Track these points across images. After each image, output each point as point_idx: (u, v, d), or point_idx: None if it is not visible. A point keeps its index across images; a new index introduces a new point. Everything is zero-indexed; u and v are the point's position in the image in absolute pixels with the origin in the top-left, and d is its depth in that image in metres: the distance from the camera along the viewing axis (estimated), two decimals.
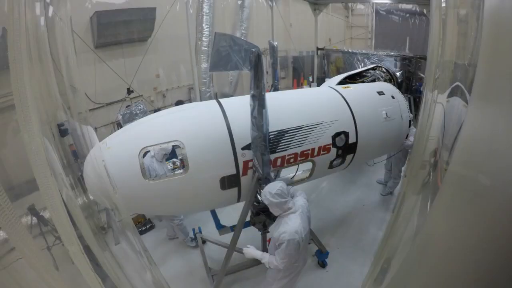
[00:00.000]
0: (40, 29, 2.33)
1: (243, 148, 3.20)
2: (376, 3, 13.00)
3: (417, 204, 2.32)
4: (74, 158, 3.85)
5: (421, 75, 7.88)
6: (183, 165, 3.25)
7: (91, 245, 1.92)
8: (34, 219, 2.34)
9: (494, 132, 1.18)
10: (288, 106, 3.19)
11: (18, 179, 1.73)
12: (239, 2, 6.95)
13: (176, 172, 3.35)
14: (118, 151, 2.97)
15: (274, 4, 8.82)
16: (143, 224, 5.43)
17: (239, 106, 3.42)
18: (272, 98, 3.63)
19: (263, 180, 3.18)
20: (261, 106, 2.93)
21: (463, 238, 1.32)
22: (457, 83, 2.05)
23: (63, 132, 3.37)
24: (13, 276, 1.40)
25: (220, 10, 6.98)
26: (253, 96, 2.91)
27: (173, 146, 3.29)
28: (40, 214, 2.38)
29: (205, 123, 3.24)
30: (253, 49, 2.78)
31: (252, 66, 2.81)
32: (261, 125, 2.98)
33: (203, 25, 6.34)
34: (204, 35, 6.40)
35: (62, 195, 1.69)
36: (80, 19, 7.02)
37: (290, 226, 2.79)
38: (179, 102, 6.69)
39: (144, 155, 3.05)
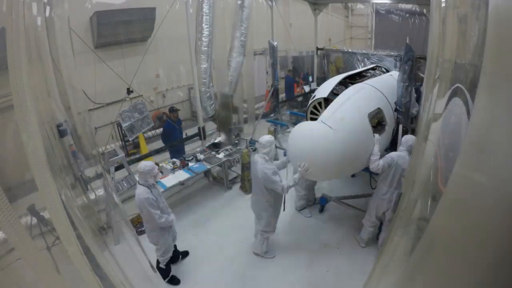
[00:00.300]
0: (39, 29, 2.32)
1: (394, 110, 4.82)
2: (376, 3, 12.99)
3: (418, 206, 2.31)
4: (74, 158, 3.84)
5: (421, 75, 7.86)
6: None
7: (90, 246, 1.91)
8: (34, 220, 2.33)
9: (500, 134, 1.17)
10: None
11: (17, 180, 1.73)
12: (239, 2, 6.92)
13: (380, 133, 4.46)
14: (351, 119, 4.06)
15: (274, 4, 8.80)
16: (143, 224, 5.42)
17: (376, 85, 5.01)
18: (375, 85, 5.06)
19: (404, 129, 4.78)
20: (410, 85, 4.65)
21: (468, 242, 1.31)
22: (458, 83, 2.04)
23: (62, 132, 3.36)
24: (12, 277, 1.40)
25: (220, 10, 6.96)
26: (408, 79, 4.60)
27: None
28: (40, 214, 2.38)
29: (376, 95, 4.73)
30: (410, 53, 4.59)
31: (411, 63, 4.55)
32: (409, 92, 4.64)
33: (203, 25, 6.32)
34: (204, 35, 6.37)
35: (61, 196, 1.69)
36: (80, 19, 7.02)
37: (395, 153, 4.24)
38: (171, 109, 6.96)
39: None
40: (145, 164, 3.80)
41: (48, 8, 2.52)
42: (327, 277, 4.34)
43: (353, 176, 6.43)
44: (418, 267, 1.85)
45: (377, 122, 4.68)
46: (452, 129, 2.00)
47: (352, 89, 4.68)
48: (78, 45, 6.72)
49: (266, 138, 4.12)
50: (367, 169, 4.40)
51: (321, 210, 5.58)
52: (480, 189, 1.29)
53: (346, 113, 4.10)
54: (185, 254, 4.82)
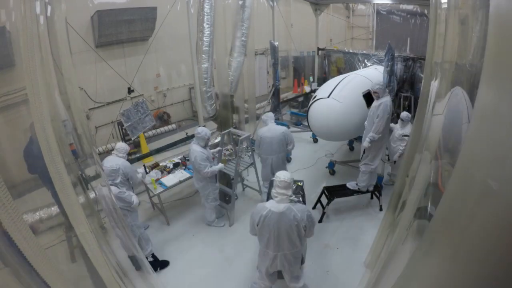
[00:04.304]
0: (40, 28, 2.32)
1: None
2: (377, 3, 12.99)
3: (418, 206, 2.32)
4: (74, 157, 3.84)
5: (422, 75, 7.87)
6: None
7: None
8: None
9: (501, 134, 1.17)
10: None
11: (20, 177, 1.73)
12: (240, 2, 6.92)
13: None
14: (351, 96, 5.62)
15: (275, 4, 8.81)
16: None
17: (365, 74, 6.67)
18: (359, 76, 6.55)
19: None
20: (392, 75, 6.22)
21: (469, 243, 1.31)
22: (457, 85, 2.05)
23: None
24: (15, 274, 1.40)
25: (221, 10, 6.96)
26: (390, 71, 6.24)
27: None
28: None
29: (366, 81, 6.22)
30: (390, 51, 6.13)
31: (392, 59, 6.20)
32: (391, 80, 6.27)
33: (204, 24, 6.32)
34: (205, 34, 6.37)
35: (71, 179, 1.70)
36: (81, 18, 7.02)
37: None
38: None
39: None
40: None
41: (49, 7, 2.53)
42: (327, 277, 4.34)
43: (351, 149, 7.90)
44: (415, 272, 1.85)
45: (368, 99, 5.79)
46: (452, 129, 2.00)
47: (349, 77, 6.34)
48: (80, 44, 6.74)
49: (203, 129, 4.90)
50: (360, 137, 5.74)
51: (324, 211, 5.50)
52: (482, 190, 1.30)
53: (347, 92, 5.65)
54: (164, 264, 4.65)
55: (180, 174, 5.61)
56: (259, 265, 3.53)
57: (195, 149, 4.81)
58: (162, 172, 5.63)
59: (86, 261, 1.72)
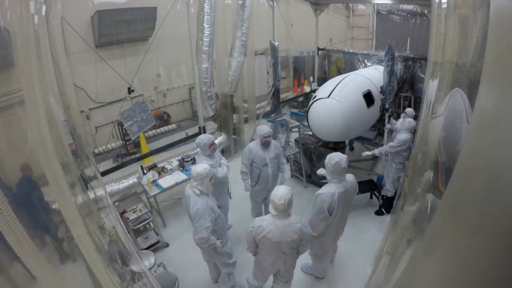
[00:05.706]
0: (36, 27, 2.32)
1: (380, 92, 6.26)
2: (377, 3, 12.98)
3: (418, 207, 2.31)
4: (74, 157, 3.83)
5: (422, 75, 7.87)
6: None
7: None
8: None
9: (501, 134, 1.17)
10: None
11: (16, 179, 1.72)
12: (240, 2, 6.92)
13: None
14: (351, 96, 5.62)
15: (275, 4, 8.80)
16: None
17: (365, 74, 6.71)
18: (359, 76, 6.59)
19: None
20: (392, 75, 5.98)
21: (469, 243, 1.31)
22: (458, 84, 2.04)
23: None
24: (11, 277, 1.39)
25: (221, 10, 6.96)
26: (390, 71, 5.96)
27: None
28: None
29: (366, 81, 6.30)
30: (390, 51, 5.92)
31: (392, 59, 5.95)
32: (391, 80, 6.04)
33: (204, 24, 6.32)
34: (205, 34, 6.38)
35: (68, 182, 1.69)
36: (81, 18, 7.02)
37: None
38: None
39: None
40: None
41: (44, 7, 2.51)
42: (327, 277, 4.33)
43: (352, 149, 7.87)
44: (415, 271, 1.84)
45: (367, 99, 5.87)
46: (453, 129, 2.00)
47: (348, 77, 6.31)
48: (80, 44, 6.74)
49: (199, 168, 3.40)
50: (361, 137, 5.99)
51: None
52: (482, 191, 1.29)
53: (347, 92, 5.65)
54: None
55: (177, 176, 5.56)
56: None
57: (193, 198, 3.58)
58: (159, 174, 5.59)
59: (85, 262, 1.71)
